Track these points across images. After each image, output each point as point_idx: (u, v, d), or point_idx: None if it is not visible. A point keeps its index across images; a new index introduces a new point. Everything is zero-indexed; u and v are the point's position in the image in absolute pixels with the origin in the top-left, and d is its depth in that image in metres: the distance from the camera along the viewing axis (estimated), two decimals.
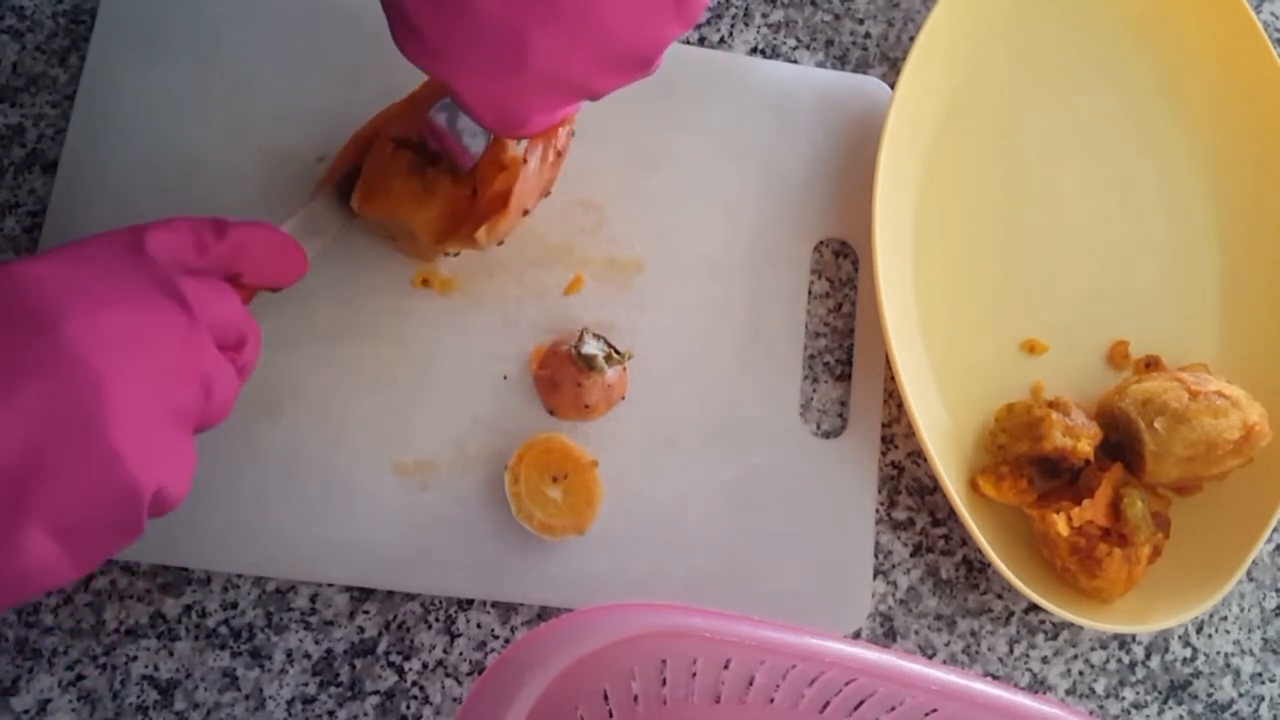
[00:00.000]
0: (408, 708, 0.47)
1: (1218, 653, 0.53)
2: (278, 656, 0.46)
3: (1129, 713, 0.52)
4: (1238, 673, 0.53)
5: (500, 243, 0.47)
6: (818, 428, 0.52)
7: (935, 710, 0.39)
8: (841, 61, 0.57)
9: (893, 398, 0.52)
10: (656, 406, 0.50)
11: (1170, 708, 0.52)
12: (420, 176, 0.45)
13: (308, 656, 0.46)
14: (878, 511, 0.51)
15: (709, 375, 0.51)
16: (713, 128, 0.53)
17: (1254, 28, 0.56)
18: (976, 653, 0.51)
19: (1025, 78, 0.57)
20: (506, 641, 0.48)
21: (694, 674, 0.41)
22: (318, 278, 0.48)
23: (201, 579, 0.46)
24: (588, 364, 0.46)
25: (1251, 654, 0.54)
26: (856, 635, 0.50)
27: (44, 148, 0.49)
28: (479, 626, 0.48)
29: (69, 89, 0.50)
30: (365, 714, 0.46)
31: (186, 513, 0.45)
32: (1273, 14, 0.63)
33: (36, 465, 0.31)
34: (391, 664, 0.47)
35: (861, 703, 0.40)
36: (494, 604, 0.48)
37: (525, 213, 0.46)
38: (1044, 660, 0.52)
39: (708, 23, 0.56)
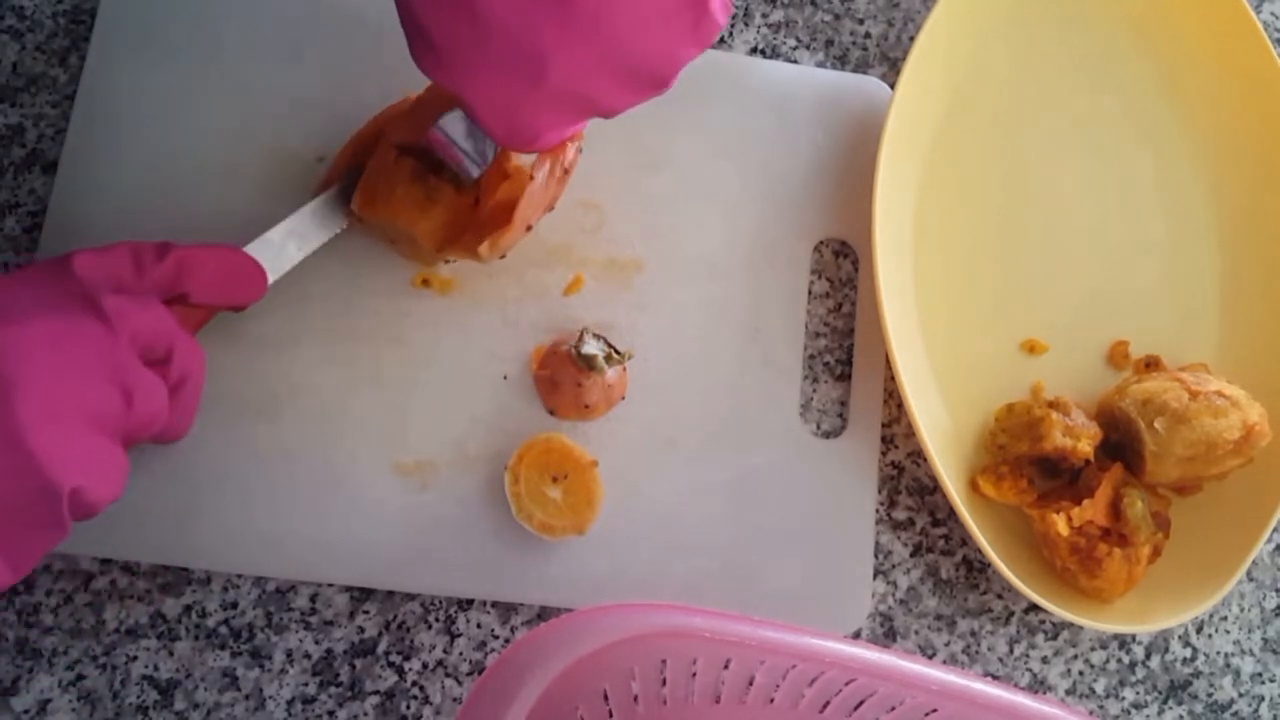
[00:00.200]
0: (408, 708, 0.47)
1: (1218, 653, 0.53)
2: (278, 656, 0.46)
3: (1129, 713, 0.52)
4: (1238, 673, 0.53)
5: (503, 256, 0.47)
6: (818, 428, 0.52)
7: (935, 710, 0.39)
8: (841, 61, 0.57)
9: (893, 398, 0.52)
10: (656, 406, 0.50)
11: (1170, 708, 0.52)
12: (423, 184, 0.45)
13: (308, 656, 0.46)
14: (878, 511, 0.51)
15: (709, 375, 0.51)
16: (713, 128, 0.53)
17: (1254, 28, 0.56)
18: (976, 653, 0.51)
19: (1025, 78, 0.57)
20: (506, 641, 0.48)
21: (694, 674, 0.41)
22: (317, 278, 0.48)
23: (201, 579, 0.46)
24: (588, 364, 0.46)
25: (1251, 654, 0.54)
26: (856, 635, 0.50)
27: (44, 148, 0.49)
28: (479, 626, 0.48)
29: (69, 89, 0.50)
30: (365, 714, 0.46)
31: (186, 513, 0.45)
32: (1273, 14, 0.63)
33: None
34: (391, 664, 0.47)
35: (861, 703, 0.40)
36: (494, 604, 0.48)
37: (529, 228, 0.46)
38: (1044, 660, 0.52)
39: None
